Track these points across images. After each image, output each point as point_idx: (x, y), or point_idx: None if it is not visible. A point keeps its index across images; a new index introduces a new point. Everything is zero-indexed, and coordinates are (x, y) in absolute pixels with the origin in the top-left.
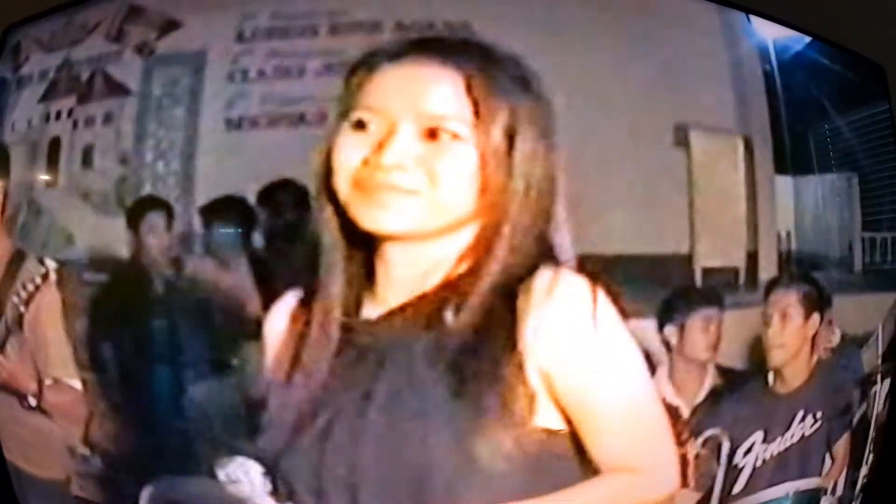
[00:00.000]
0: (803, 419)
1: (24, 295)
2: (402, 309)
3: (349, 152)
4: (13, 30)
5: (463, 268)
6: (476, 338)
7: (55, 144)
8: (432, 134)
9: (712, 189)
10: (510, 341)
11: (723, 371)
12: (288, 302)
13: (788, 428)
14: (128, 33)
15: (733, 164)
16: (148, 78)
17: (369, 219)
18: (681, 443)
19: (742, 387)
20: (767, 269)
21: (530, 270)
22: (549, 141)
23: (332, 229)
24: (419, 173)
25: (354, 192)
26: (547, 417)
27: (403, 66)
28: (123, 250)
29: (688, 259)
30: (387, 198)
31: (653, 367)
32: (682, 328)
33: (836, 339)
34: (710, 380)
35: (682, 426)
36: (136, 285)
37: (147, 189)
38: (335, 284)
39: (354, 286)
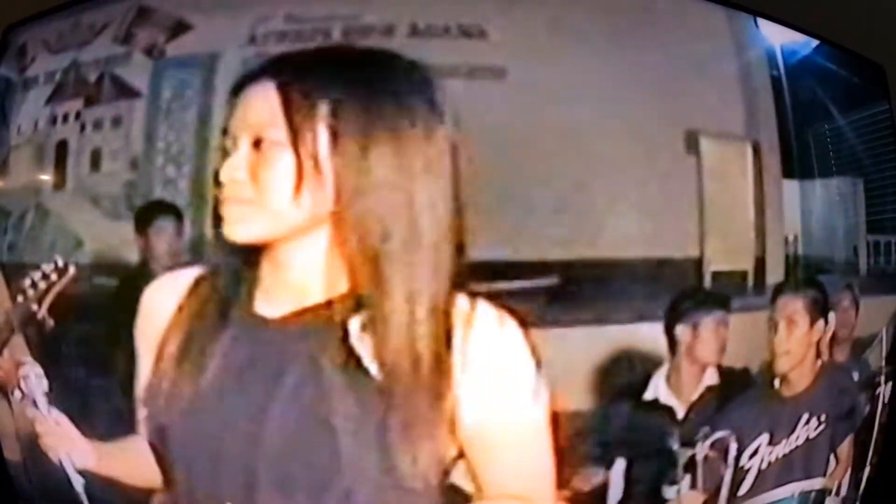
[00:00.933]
0: (808, 422)
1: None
2: (302, 313)
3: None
4: (14, 30)
5: (348, 279)
6: (384, 356)
7: (62, 147)
8: (257, 144)
9: (722, 194)
10: (422, 367)
11: (730, 373)
12: (187, 275)
13: (793, 430)
14: (137, 35)
15: (742, 169)
16: (158, 80)
17: (227, 230)
18: (683, 444)
19: (748, 390)
20: (775, 273)
21: (438, 294)
22: (431, 145)
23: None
24: (249, 183)
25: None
26: (441, 440)
27: (250, 89)
28: (132, 255)
29: (697, 263)
30: (231, 210)
31: (648, 370)
32: (695, 329)
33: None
34: (706, 381)
35: (676, 426)
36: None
37: (157, 193)
38: (227, 277)
39: (246, 282)
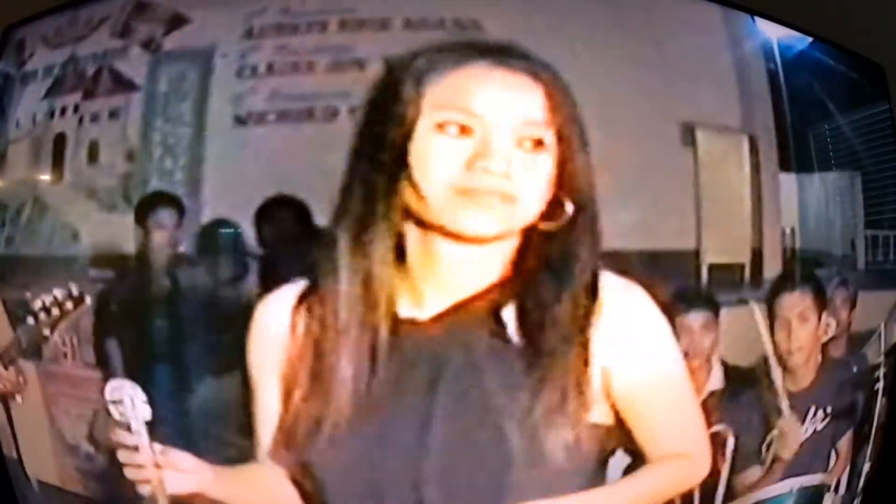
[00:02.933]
0: (815, 414)
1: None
2: (455, 309)
3: (443, 155)
4: (14, 29)
5: (513, 268)
6: (542, 339)
7: (60, 140)
8: (536, 143)
9: (718, 187)
10: (577, 344)
11: (727, 368)
12: (289, 294)
13: (802, 423)
14: (134, 29)
15: (739, 161)
16: (155, 74)
17: (469, 221)
18: None
19: (749, 383)
20: (772, 267)
21: (584, 273)
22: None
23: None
24: (518, 180)
25: (451, 195)
26: (600, 413)
27: (487, 69)
28: (130, 246)
29: (695, 255)
30: (488, 201)
31: None
32: (683, 326)
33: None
34: (714, 378)
35: None
36: (142, 282)
37: (154, 185)
38: (355, 283)
39: (385, 286)
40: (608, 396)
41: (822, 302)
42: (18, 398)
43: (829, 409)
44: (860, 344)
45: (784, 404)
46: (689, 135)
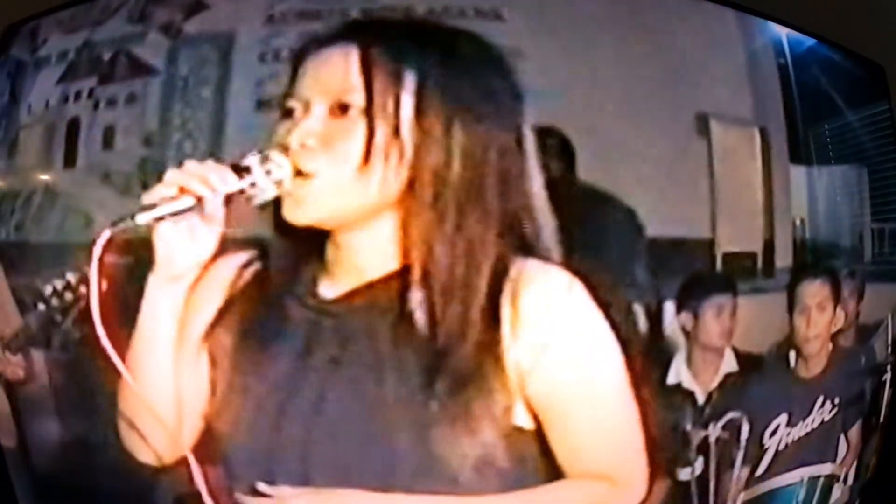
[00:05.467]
0: (823, 405)
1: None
2: (362, 291)
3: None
4: (14, 29)
5: (416, 254)
6: (450, 331)
7: (74, 125)
8: (340, 110)
9: (731, 177)
10: (488, 336)
11: (742, 355)
12: (237, 259)
13: (810, 413)
14: (152, 14)
15: (751, 152)
16: (174, 58)
17: (289, 213)
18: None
19: (763, 370)
20: (783, 256)
21: (502, 261)
22: (509, 131)
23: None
24: (321, 153)
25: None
26: (518, 416)
27: (326, 51)
28: (145, 231)
29: (710, 244)
30: (294, 189)
31: (668, 354)
32: (696, 314)
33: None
34: (725, 365)
35: (697, 412)
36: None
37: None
38: (287, 261)
39: (309, 265)
40: (525, 399)
41: (837, 293)
42: (26, 386)
43: (837, 400)
44: (868, 335)
45: None
46: (703, 125)
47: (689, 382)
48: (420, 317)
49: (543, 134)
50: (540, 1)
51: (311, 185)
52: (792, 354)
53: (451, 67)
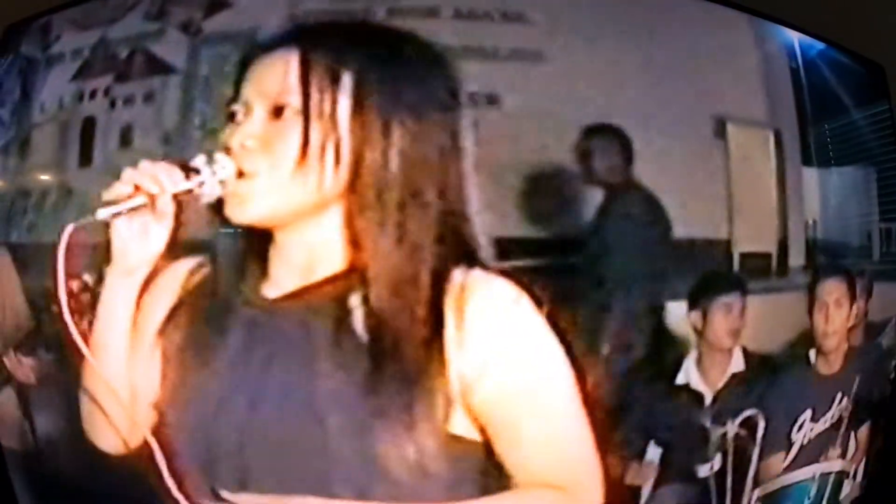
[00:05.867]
0: (841, 401)
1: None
2: (302, 292)
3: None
4: (13, 29)
5: (355, 255)
6: (390, 333)
7: (89, 124)
8: (275, 113)
9: (747, 178)
10: (430, 342)
11: (754, 355)
12: (188, 263)
13: (830, 408)
14: (170, 12)
15: (765, 154)
16: (195, 56)
17: (231, 211)
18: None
19: (777, 369)
20: (796, 256)
21: (444, 267)
22: (447, 132)
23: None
24: (259, 153)
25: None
26: (460, 425)
27: (269, 56)
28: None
29: (727, 244)
30: (236, 188)
31: (680, 355)
32: (704, 314)
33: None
34: (733, 366)
35: (704, 413)
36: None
37: None
38: (232, 261)
39: (253, 266)
40: (466, 407)
41: (853, 290)
42: (37, 389)
43: (852, 397)
44: (876, 334)
45: None
46: (720, 127)
47: (697, 383)
48: (359, 318)
49: (595, 132)
50: (562, 4)
51: (252, 184)
52: (812, 352)
53: (390, 68)
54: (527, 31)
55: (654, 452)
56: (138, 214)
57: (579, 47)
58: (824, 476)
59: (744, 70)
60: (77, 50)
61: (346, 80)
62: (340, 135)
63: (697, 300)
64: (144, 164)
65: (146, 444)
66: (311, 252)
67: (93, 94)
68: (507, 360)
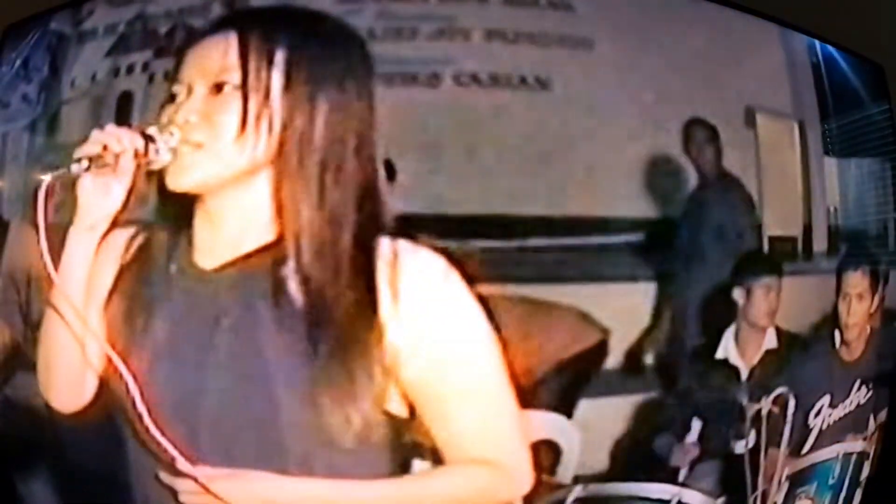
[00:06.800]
0: (860, 388)
1: None
2: (235, 263)
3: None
4: (14, 29)
5: (283, 224)
6: (326, 304)
7: (126, 99)
8: (217, 89)
9: (775, 165)
10: (364, 310)
11: (784, 333)
12: (126, 232)
13: (849, 395)
14: None
15: (791, 144)
16: None
17: (170, 180)
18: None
19: (806, 349)
20: (820, 241)
21: (368, 236)
22: (364, 103)
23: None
24: (201, 126)
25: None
26: (391, 401)
27: (207, 40)
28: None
29: (758, 227)
30: (177, 159)
31: (719, 331)
32: (748, 292)
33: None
34: (766, 343)
35: (741, 388)
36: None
37: None
38: (165, 230)
39: (184, 235)
40: (397, 382)
41: (876, 282)
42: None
43: (871, 384)
44: (892, 319)
45: None
46: (750, 117)
47: (735, 358)
48: (294, 287)
49: (693, 125)
50: (608, 4)
51: (196, 154)
52: (837, 336)
53: (315, 45)
54: (574, 20)
55: (696, 429)
56: (102, 173)
57: (626, 35)
58: (847, 456)
59: (771, 64)
60: (112, 25)
61: (279, 57)
62: (273, 107)
63: (741, 280)
64: (110, 127)
65: (98, 401)
66: (242, 220)
67: (130, 69)
68: (438, 335)
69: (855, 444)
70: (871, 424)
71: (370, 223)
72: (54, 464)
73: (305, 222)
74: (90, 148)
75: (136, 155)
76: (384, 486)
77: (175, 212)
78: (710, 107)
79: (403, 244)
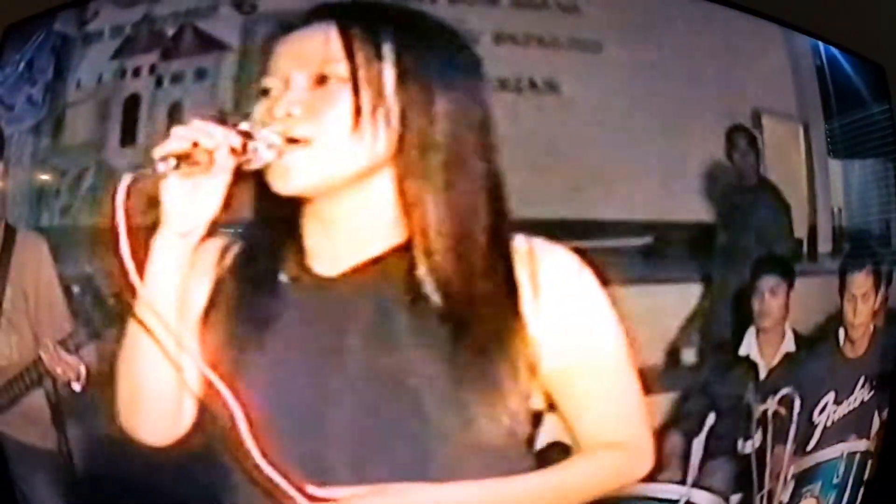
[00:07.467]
0: (864, 385)
1: None
2: (364, 267)
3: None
4: (14, 29)
5: (411, 223)
6: (467, 303)
7: (133, 101)
8: (321, 80)
9: (781, 167)
10: (506, 307)
11: (798, 336)
12: (216, 243)
13: (853, 392)
14: None
15: (796, 146)
16: (250, 34)
17: (277, 183)
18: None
19: (812, 349)
20: (825, 242)
21: (501, 232)
22: (479, 104)
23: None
24: (305, 121)
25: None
26: (533, 394)
27: (300, 31)
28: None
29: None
30: (281, 159)
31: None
32: (762, 293)
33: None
34: (785, 345)
35: (759, 385)
36: None
37: None
38: (269, 239)
39: (291, 242)
40: (537, 375)
41: (879, 282)
42: (76, 385)
43: (874, 382)
44: (894, 318)
45: None
46: (757, 119)
47: (756, 356)
48: (431, 288)
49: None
50: (616, 5)
51: (304, 152)
52: (841, 334)
53: (423, 45)
54: (581, 22)
55: (710, 421)
56: (192, 172)
57: (633, 38)
58: (851, 455)
59: (775, 66)
60: (117, 27)
61: (388, 50)
62: (388, 102)
63: (756, 280)
64: (198, 122)
65: (197, 432)
66: (365, 222)
67: (136, 72)
68: (577, 328)
69: (859, 444)
70: (875, 424)
71: (502, 221)
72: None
73: (435, 221)
74: (176, 145)
75: (234, 152)
76: (527, 480)
77: (279, 216)
78: (717, 109)
79: (538, 241)
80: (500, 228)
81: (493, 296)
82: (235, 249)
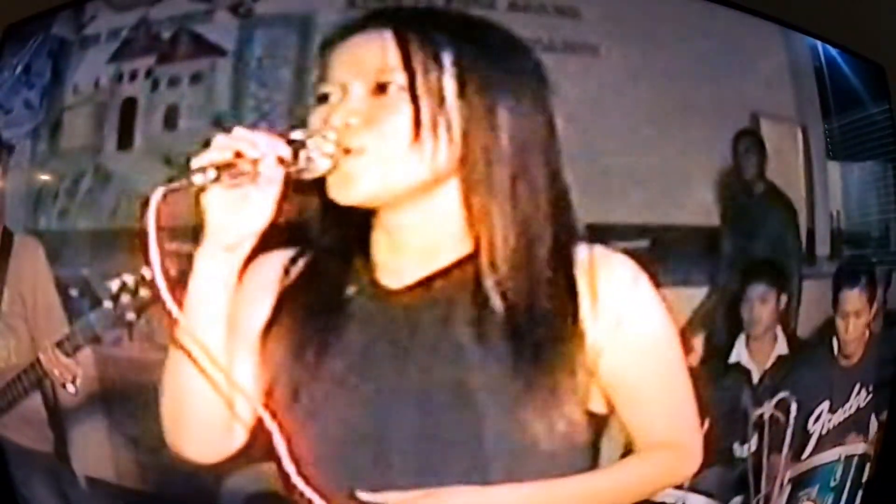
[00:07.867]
0: (859, 392)
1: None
2: (432, 279)
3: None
4: (13, 29)
5: (477, 235)
6: (530, 314)
7: (130, 105)
8: (380, 89)
9: (779, 170)
10: (568, 316)
11: (794, 340)
12: (280, 256)
13: (848, 399)
14: None
15: (795, 148)
16: (247, 39)
17: (338, 193)
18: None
19: (808, 354)
20: (822, 246)
21: (564, 243)
22: (543, 116)
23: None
24: (364, 131)
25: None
26: (594, 400)
27: (357, 37)
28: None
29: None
30: (340, 169)
31: (734, 334)
32: (754, 298)
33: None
34: (778, 348)
35: (752, 390)
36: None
37: None
38: (336, 251)
39: (358, 254)
40: (597, 379)
41: (873, 295)
42: (71, 388)
43: (871, 387)
44: (892, 321)
45: None
46: (755, 123)
47: (747, 361)
48: (496, 300)
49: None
50: (616, 8)
51: (360, 161)
52: (835, 342)
53: (483, 53)
54: (580, 26)
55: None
56: (237, 184)
57: (630, 41)
58: (849, 458)
59: (774, 68)
60: (114, 31)
61: (447, 59)
62: (449, 113)
63: (748, 285)
64: (240, 130)
65: (250, 447)
66: (432, 233)
67: (133, 75)
68: (634, 332)
69: (856, 447)
70: (873, 426)
71: (566, 231)
72: None
73: (502, 233)
74: (217, 155)
75: (282, 162)
76: (583, 481)
77: (346, 228)
78: (716, 112)
79: (599, 249)
80: (564, 237)
81: (554, 305)
82: (301, 263)
